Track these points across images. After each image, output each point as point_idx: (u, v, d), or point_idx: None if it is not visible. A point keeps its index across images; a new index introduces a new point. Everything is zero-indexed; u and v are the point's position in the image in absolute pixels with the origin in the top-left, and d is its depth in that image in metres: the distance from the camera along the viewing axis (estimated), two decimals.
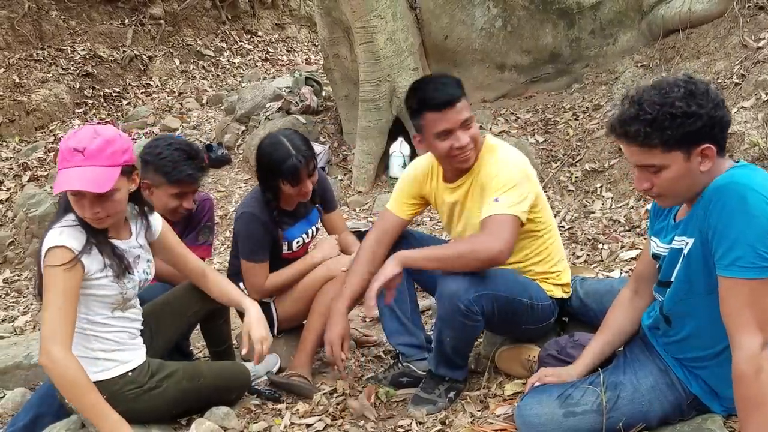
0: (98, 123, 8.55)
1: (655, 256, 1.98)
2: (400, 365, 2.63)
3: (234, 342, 3.02)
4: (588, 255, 3.97)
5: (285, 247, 2.86)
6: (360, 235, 4.86)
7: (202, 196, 2.86)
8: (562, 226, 4.40)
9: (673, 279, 1.87)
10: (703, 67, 5.38)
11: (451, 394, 2.42)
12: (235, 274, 2.89)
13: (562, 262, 2.55)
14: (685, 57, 5.62)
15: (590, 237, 4.16)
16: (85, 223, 2.06)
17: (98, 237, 2.09)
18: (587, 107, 5.87)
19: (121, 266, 2.13)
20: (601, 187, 4.85)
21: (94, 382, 2.01)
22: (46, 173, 7.59)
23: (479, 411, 2.36)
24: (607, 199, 4.69)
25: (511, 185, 2.26)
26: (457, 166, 2.42)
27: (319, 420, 2.43)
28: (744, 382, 1.61)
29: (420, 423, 2.34)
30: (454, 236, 2.62)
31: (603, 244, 4.03)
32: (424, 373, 2.49)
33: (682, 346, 1.92)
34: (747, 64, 5.05)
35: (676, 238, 1.84)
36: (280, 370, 2.85)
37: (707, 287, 1.75)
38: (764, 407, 1.59)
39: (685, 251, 1.79)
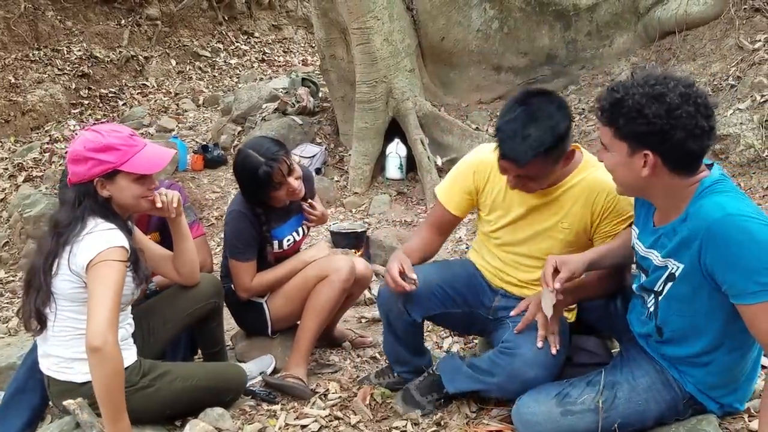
0: (94, 124, 8.53)
1: (634, 250, 2.00)
2: (395, 375, 2.62)
3: (228, 344, 3.01)
4: None
5: (275, 246, 2.84)
6: (356, 236, 4.90)
7: (166, 183, 2.83)
8: None
9: (657, 289, 1.89)
10: (699, 69, 5.39)
11: (440, 402, 2.42)
12: (226, 275, 2.88)
13: None
14: (681, 59, 5.63)
15: None
16: (120, 225, 2.13)
17: (132, 239, 2.18)
18: (583, 109, 5.88)
19: (141, 267, 2.18)
20: None
21: (86, 382, 2.01)
22: (42, 174, 7.57)
23: (474, 412, 2.36)
24: None
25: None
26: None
27: (314, 421, 2.42)
28: None
29: (415, 424, 2.33)
30: (507, 240, 2.37)
31: None
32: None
33: (675, 355, 1.94)
34: (743, 66, 5.07)
35: (661, 257, 1.85)
36: (275, 371, 2.84)
37: (703, 307, 1.79)
38: None
39: (677, 273, 1.81)
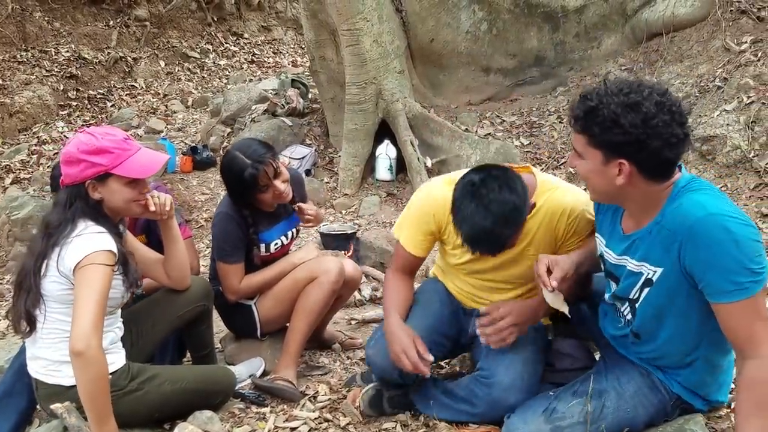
0: (82, 126, 8.49)
1: (603, 259, 2.00)
2: None
3: (217, 346, 3.00)
4: None
5: (263, 249, 2.84)
6: (346, 238, 4.89)
7: (153, 185, 2.83)
8: None
9: (632, 297, 1.89)
10: (686, 71, 5.43)
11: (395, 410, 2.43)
12: (214, 277, 2.87)
13: None
14: (668, 60, 5.67)
15: None
16: (110, 228, 2.13)
17: (122, 242, 2.18)
18: None
19: (131, 270, 2.18)
20: (585, 189, 4.87)
21: (74, 386, 2.00)
22: (29, 176, 7.52)
23: None
24: None
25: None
26: None
27: (304, 423, 2.42)
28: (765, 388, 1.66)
29: (405, 425, 2.34)
30: (475, 269, 2.37)
31: None
32: None
33: (656, 357, 1.95)
34: (729, 68, 5.11)
35: (636, 261, 1.85)
36: (265, 373, 2.84)
37: (680, 309, 1.80)
38: None
39: (654, 278, 1.81)
